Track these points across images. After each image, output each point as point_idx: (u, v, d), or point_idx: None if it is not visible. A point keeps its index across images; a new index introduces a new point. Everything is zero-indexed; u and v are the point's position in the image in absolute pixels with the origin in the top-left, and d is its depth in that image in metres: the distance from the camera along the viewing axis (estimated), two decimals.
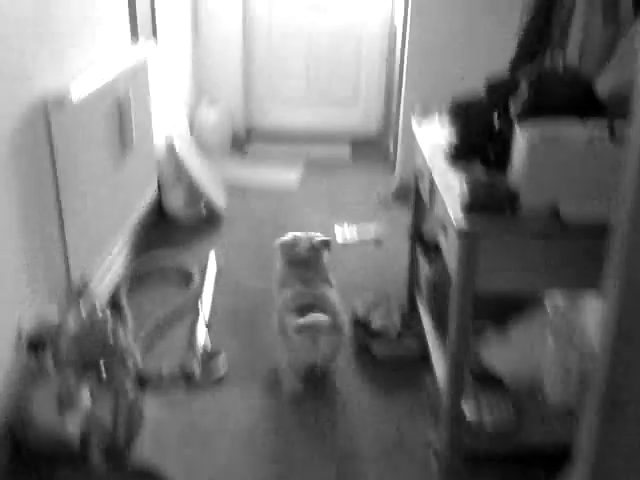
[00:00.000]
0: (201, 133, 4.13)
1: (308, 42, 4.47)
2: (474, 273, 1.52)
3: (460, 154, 1.75)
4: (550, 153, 1.45)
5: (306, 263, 2.24)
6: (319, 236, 2.33)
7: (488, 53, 3.22)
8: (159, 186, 3.14)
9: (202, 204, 3.34)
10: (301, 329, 1.99)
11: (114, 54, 2.46)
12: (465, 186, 1.52)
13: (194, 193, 3.28)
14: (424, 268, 2.29)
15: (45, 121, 1.93)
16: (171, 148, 3.19)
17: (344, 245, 3.17)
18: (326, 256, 2.31)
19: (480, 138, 1.69)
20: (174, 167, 3.21)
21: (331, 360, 2.12)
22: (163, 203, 3.28)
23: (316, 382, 2.16)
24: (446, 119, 1.91)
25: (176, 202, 3.30)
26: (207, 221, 3.35)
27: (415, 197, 2.36)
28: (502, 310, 2.05)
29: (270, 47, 4.48)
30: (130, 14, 2.77)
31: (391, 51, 4.25)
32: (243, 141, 4.48)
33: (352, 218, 3.47)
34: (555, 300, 1.96)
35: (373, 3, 4.33)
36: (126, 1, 2.73)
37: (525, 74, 1.60)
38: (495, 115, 1.71)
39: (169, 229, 3.26)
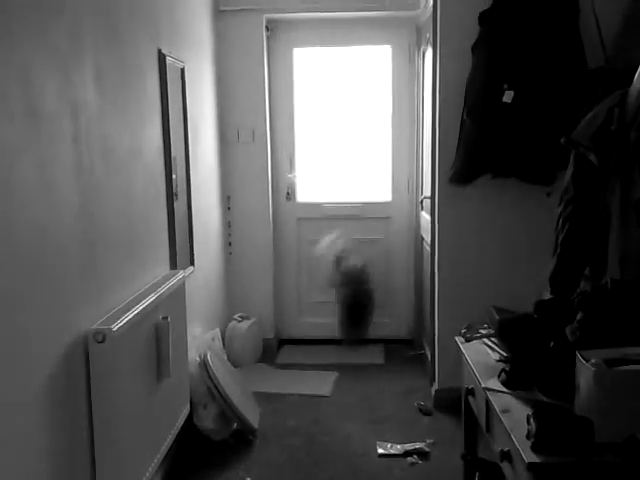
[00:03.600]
0: (233, 344, 4.12)
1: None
2: None
3: (515, 381, 1.66)
4: (622, 387, 1.37)
5: None
6: None
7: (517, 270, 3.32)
8: (191, 403, 3.04)
9: (234, 424, 3.21)
10: None
11: (154, 283, 2.51)
12: (533, 424, 1.40)
13: (227, 412, 3.16)
14: None
15: (84, 355, 1.90)
16: (205, 366, 3.13)
17: (387, 457, 2.99)
18: None
19: (535, 362, 1.61)
20: (207, 386, 3.13)
21: None
22: (195, 420, 3.15)
23: None
24: (494, 339, 1.85)
25: (208, 421, 3.17)
26: (239, 439, 3.19)
27: (465, 414, 2.22)
28: None
29: (299, 256, 4.62)
30: (170, 249, 2.91)
31: (418, 259, 4.34)
32: (274, 350, 4.44)
33: (391, 427, 3.29)
34: None
35: (397, 213, 4.55)
36: (167, 239, 2.88)
37: (576, 294, 1.56)
38: (544, 336, 1.66)
39: (200, 448, 3.10)
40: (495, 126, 3.09)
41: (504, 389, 1.73)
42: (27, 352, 1.63)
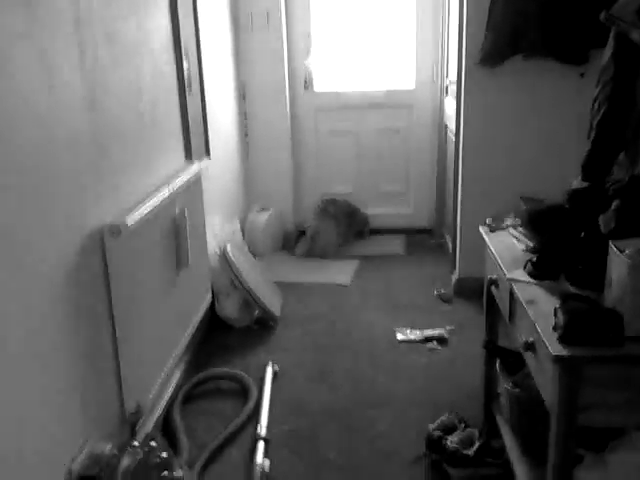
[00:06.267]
0: (253, 235, 4.13)
1: (356, 140, 4.50)
2: (576, 407, 1.35)
3: (543, 271, 1.61)
4: None
5: None
6: None
7: (546, 154, 3.19)
8: (213, 293, 3.09)
9: (256, 311, 3.27)
10: None
11: (169, 175, 2.45)
12: (561, 316, 1.36)
13: (248, 300, 3.20)
14: (504, 382, 2.10)
15: (101, 249, 1.88)
16: (225, 257, 3.14)
17: (406, 343, 3.04)
18: None
19: (564, 253, 1.55)
20: (228, 276, 3.15)
21: None
22: (217, 310, 3.21)
23: None
24: (522, 230, 1.78)
25: (230, 309, 3.23)
26: (262, 326, 3.26)
27: (487, 304, 2.20)
28: (600, 435, 1.84)
29: (318, 147, 4.52)
30: (184, 139, 2.81)
31: (442, 148, 4.21)
32: (294, 240, 4.45)
33: (411, 314, 3.33)
34: None
35: (420, 101, 4.36)
36: (180, 129, 2.77)
37: (611, 182, 1.47)
38: (575, 226, 1.58)
39: (223, 335, 3.17)
40: (528, 1, 2.86)
41: (530, 280, 1.68)
42: (41, 250, 1.59)
